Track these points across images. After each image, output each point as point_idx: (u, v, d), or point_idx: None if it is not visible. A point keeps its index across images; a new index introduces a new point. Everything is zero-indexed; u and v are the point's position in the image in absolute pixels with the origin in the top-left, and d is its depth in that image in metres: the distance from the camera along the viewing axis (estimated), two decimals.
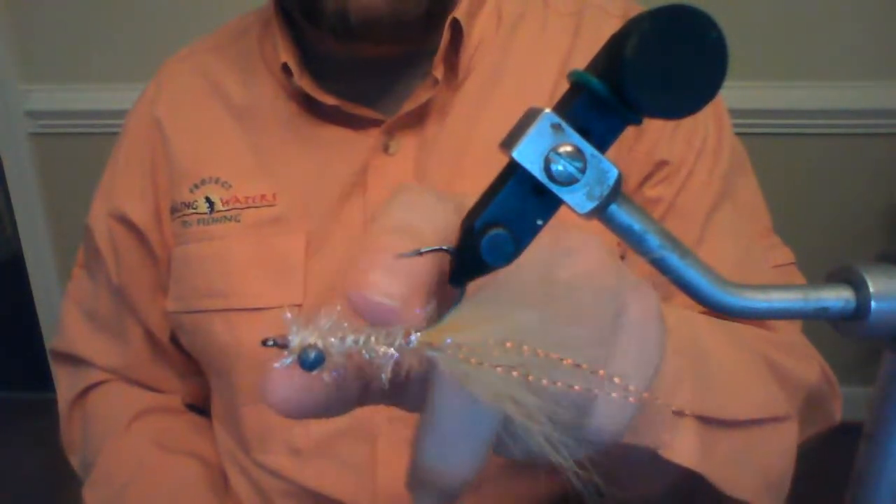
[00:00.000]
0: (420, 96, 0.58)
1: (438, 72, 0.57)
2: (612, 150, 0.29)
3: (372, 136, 0.59)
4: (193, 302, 0.62)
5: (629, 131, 0.54)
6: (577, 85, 0.30)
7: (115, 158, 0.70)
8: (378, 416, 0.59)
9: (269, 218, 0.60)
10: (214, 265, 0.61)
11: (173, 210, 0.63)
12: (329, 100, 0.58)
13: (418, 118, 0.59)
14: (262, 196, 0.60)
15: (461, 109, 0.60)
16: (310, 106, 0.61)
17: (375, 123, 0.59)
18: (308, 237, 0.59)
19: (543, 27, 0.64)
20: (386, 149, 0.60)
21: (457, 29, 0.58)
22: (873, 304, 0.31)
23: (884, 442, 0.35)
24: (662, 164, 0.61)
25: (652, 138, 0.61)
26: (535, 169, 0.29)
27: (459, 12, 0.58)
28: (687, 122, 0.62)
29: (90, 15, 1.66)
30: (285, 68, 0.59)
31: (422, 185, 0.59)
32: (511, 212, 0.30)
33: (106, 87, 1.71)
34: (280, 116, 0.62)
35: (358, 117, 0.59)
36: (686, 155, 0.61)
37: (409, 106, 0.58)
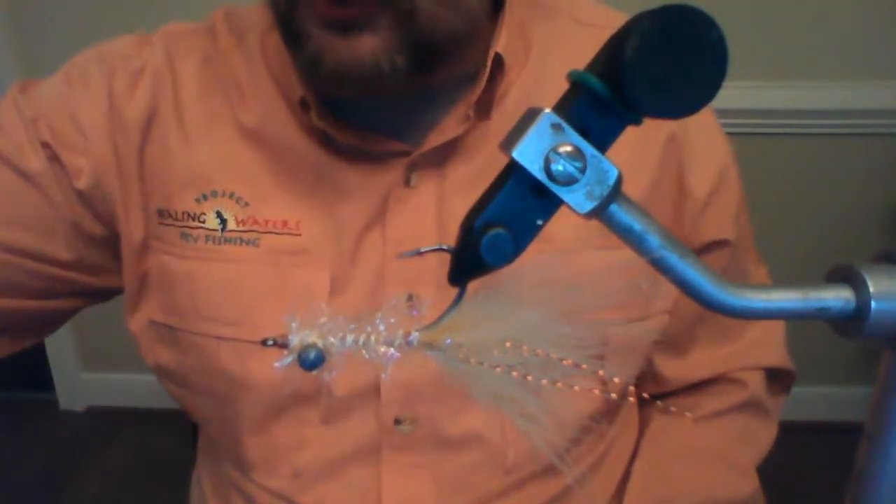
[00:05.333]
0: (448, 131, 0.55)
1: (472, 110, 0.53)
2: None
3: (395, 169, 0.56)
4: (194, 323, 0.58)
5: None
6: (577, 85, 0.30)
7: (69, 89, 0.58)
8: (384, 441, 0.57)
9: (291, 248, 0.56)
10: (225, 290, 0.56)
11: (164, 213, 0.58)
12: (350, 139, 0.54)
13: (444, 152, 0.56)
14: (285, 223, 0.56)
15: (487, 143, 0.56)
16: (329, 140, 0.56)
17: (398, 155, 0.56)
18: (332, 273, 0.56)
19: (577, 43, 0.60)
20: (407, 181, 0.56)
21: (496, 64, 0.54)
22: (873, 304, 0.31)
23: (884, 442, 0.35)
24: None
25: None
26: (535, 169, 0.29)
27: (500, 46, 0.54)
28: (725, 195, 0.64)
29: (90, 14, 1.66)
30: (303, 103, 0.54)
31: (442, 217, 0.56)
32: (511, 211, 0.29)
33: None
34: (298, 146, 0.57)
35: (380, 152, 0.56)
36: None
37: (437, 140, 0.55)
